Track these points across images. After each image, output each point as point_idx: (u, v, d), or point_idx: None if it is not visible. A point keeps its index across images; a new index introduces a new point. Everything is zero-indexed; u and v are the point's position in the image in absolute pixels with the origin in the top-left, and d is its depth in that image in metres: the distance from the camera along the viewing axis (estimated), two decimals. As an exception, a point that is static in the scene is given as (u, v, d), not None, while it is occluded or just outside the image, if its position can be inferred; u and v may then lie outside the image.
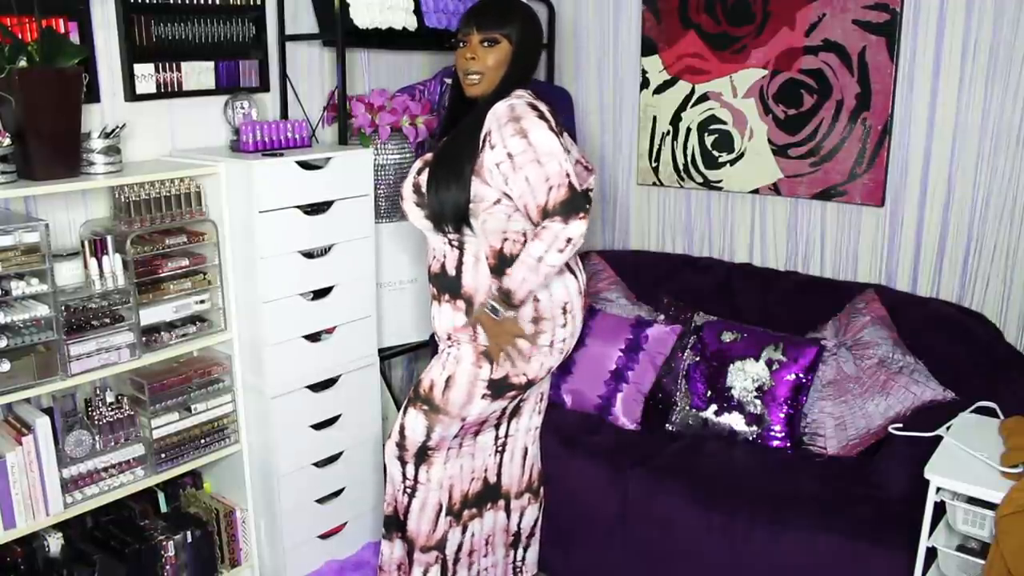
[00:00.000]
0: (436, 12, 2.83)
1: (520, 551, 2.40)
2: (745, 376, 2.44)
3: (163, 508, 2.51)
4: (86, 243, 2.12)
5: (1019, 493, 1.64)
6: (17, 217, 2.06)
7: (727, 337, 2.54)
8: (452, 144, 2.00)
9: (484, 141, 1.93)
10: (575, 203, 1.88)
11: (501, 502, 2.32)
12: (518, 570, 2.42)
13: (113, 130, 2.17)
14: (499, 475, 2.29)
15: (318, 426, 2.53)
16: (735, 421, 2.44)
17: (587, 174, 2.13)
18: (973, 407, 2.08)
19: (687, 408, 2.52)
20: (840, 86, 2.62)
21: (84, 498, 2.13)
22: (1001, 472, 1.73)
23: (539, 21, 2.10)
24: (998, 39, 2.36)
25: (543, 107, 1.96)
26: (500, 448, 2.27)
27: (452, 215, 1.97)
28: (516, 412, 2.25)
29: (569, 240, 1.89)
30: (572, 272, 2.11)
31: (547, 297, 2.04)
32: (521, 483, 2.33)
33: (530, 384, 2.11)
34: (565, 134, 1.99)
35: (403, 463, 2.15)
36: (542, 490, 2.40)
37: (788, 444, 2.38)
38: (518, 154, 1.88)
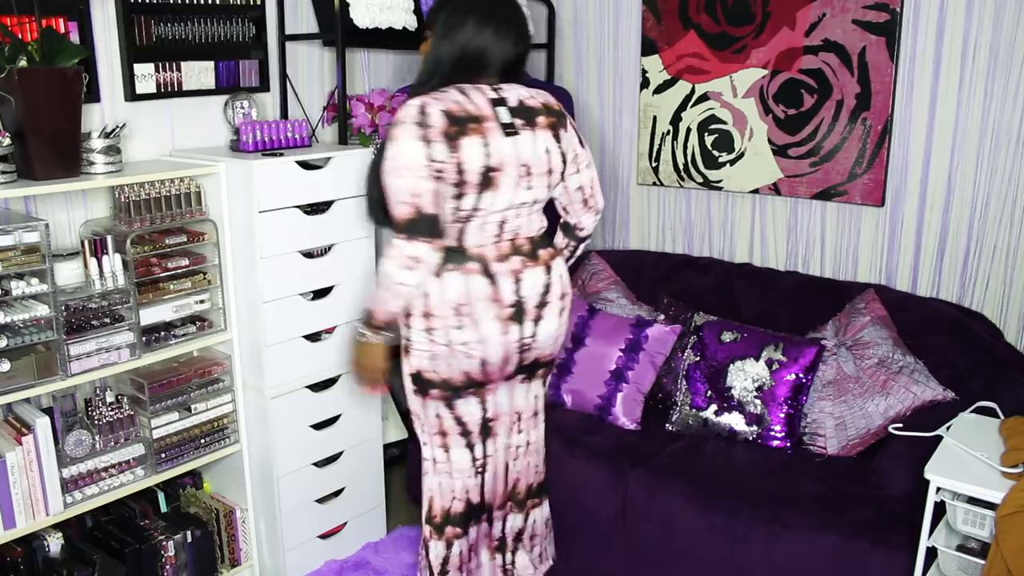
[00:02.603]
0: (436, 12, 2.83)
1: (508, 555, 2.31)
2: (745, 376, 2.44)
3: (163, 508, 2.51)
4: (86, 243, 2.12)
5: (1019, 493, 1.64)
6: (17, 217, 2.06)
7: (727, 337, 2.54)
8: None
9: None
10: (418, 226, 1.81)
11: (483, 515, 2.24)
12: (508, 573, 2.33)
13: (113, 130, 2.17)
14: (482, 495, 2.19)
15: (318, 426, 2.53)
16: (735, 421, 2.44)
17: (578, 171, 2.09)
18: (973, 407, 2.08)
19: (687, 408, 2.52)
20: (840, 86, 2.62)
21: (84, 498, 2.13)
22: (1001, 472, 1.73)
23: (472, 14, 1.91)
24: (998, 39, 2.36)
25: (435, 108, 1.82)
26: (480, 469, 2.16)
27: (371, 211, 1.98)
28: (488, 433, 2.13)
29: (415, 259, 1.83)
30: (487, 276, 1.95)
31: (437, 293, 1.92)
32: (504, 495, 2.24)
33: (449, 385, 2.01)
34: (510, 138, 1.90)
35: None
36: (535, 499, 2.28)
37: (788, 444, 2.38)
38: (386, 161, 1.85)
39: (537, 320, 2.01)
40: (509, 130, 1.91)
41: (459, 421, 2.08)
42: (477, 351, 1.97)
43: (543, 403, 2.23)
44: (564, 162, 2.02)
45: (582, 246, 2.23)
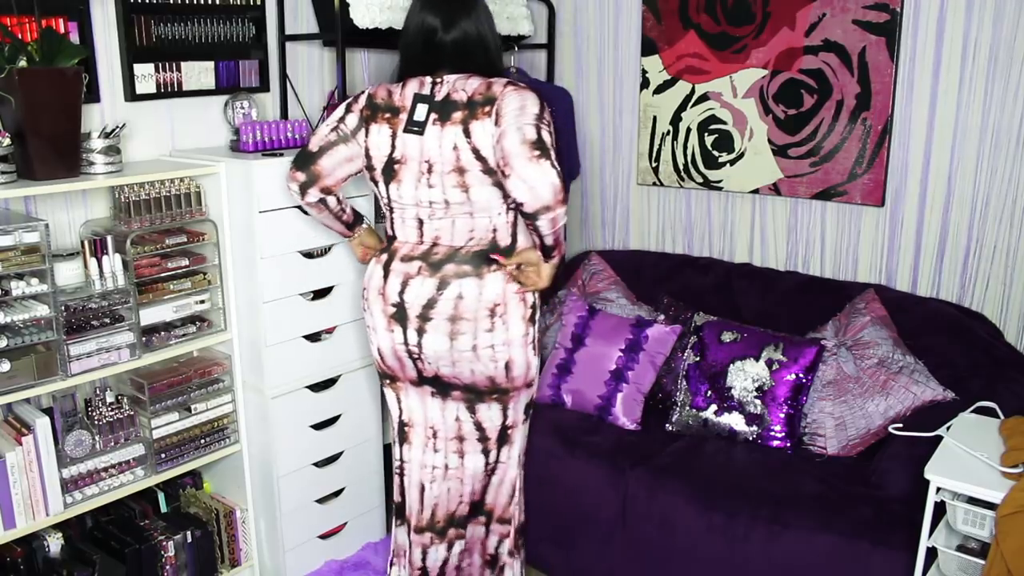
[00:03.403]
0: (436, 12, 2.83)
1: None
2: (745, 376, 2.44)
3: (163, 508, 2.51)
4: (86, 243, 2.12)
5: (1019, 493, 1.64)
6: (17, 217, 2.06)
7: (727, 337, 2.54)
8: None
9: None
10: (299, 154, 2.06)
11: (405, 526, 2.23)
12: None
13: (113, 130, 2.17)
14: (403, 496, 2.21)
15: (318, 426, 2.53)
16: (735, 421, 2.44)
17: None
18: (973, 407, 2.08)
19: (687, 408, 2.52)
20: (840, 86, 2.62)
21: (84, 498, 2.13)
22: (1001, 472, 1.73)
23: (411, 16, 2.01)
24: (998, 39, 2.36)
25: (367, 92, 2.03)
26: (398, 470, 2.21)
27: None
28: (404, 438, 2.16)
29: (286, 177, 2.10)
30: (384, 271, 2.03)
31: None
32: (421, 519, 2.20)
33: (379, 368, 2.14)
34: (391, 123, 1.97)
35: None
36: (460, 529, 2.21)
37: (788, 444, 2.38)
38: None
39: (420, 331, 2.00)
40: (411, 128, 1.94)
41: (390, 409, 2.20)
42: (373, 338, 2.10)
43: (488, 434, 2.12)
44: (482, 158, 1.87)
45: (542, 223, 1.83)
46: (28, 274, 1.95)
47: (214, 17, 2.50)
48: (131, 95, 2.35)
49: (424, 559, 2.23)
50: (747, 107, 2.82)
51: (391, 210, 2.04)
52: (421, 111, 1.93)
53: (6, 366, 1.93)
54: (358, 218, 2.19)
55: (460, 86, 1.92)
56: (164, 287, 2.24)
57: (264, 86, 2.68)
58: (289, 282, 2.37)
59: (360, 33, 2.63)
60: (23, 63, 1.92)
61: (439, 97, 1.93)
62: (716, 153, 2.92)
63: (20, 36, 2.02)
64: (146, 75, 2.37)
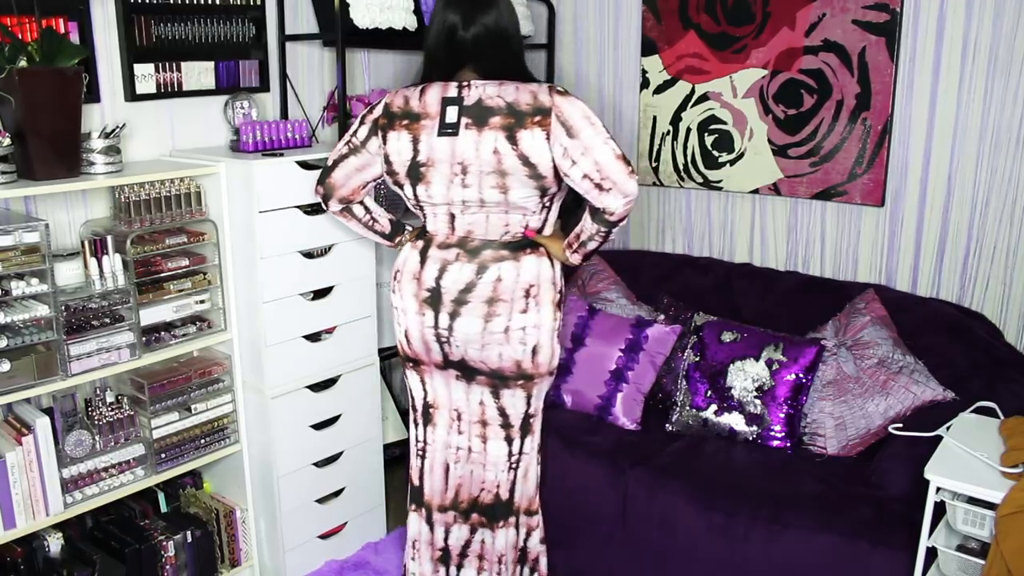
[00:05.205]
0: (436, 12, 2.83)
1: (452, 569, 2.27)
2: (745, 376, 2.44)
3: (163, 508, 2.51)
4: (86, 243, 2.12)
5: (1019, 493, 1.64)
6: (17, 217, 2.06)
7: (727, 337, 2.54)
8: None
9: None
10: (323, 170, 2.18)
11: (423, 511, 2.26)
12: None
13: (113, 130, 2.17)
14: (421, 480, 2.25)
15: (318, 426, 2.53)
16: (735, 421, 2.44)
17: (597, 192, 1.91)
18: (973, 407, 2.08)
19: (687, 408, 2.52)
20: (840, 86, 2.62)
21: (84, 498, 2.13)
22: (1001, 472, 1.73)
23: (435, 16, 2.00)
24: (998, 39, 2.36)
25: (383, 101, 2.05)
26: (420, 452, 2.25)
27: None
28: (428, 419, 2.21)
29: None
30: (421, 255, 2.09)
31: (395, 257, 2.20)
32: (444, 498, 2.24)
33: (399, 351, 2.20)
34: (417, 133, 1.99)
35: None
36: (483, 517, 2.23)
37: (788, 444, 2.38)
38: None
39: (454, 315, 2.05)
40: (446, 131, 1.95)
41: (411, 392, 2.24)
42: (402, 320, 2.13)
43: (511, 421, 2.14)
44: (531, 164, 1.90)
45: (615, 230, 1.98)
46: (28, 274, 1.95)
47: (214, 17, 2.51)
48: (131, 95, 2.35)
49: (447, 538, 2.26)
50: (747, 107, 2.82)
51: (422, 208, 2.08)
52: (452, 113, 1.95)
53: (6, 366, 1.93)
54: (397, 227, 2.23)
55: (493, 92, 1.93)
56: (164, 287, 2.24)
57: (264, 86, 2.68)
58: (289, 282, 2.37)
59: (360, 33, 2.63)
60: (23, 63, 1.92)
61: (469, 101, 1.94)
62: (716, 153, 2.93)
63: (20, 36, 2.02)
64: (146, 75, 2.37)
